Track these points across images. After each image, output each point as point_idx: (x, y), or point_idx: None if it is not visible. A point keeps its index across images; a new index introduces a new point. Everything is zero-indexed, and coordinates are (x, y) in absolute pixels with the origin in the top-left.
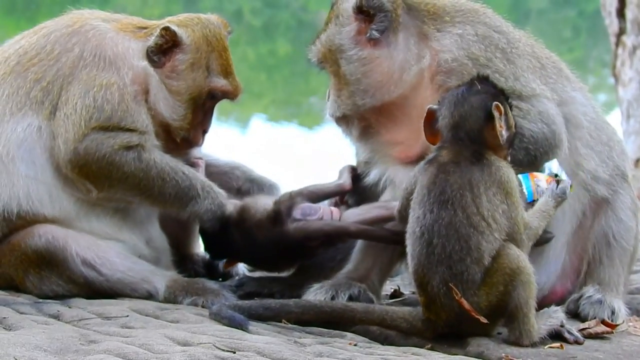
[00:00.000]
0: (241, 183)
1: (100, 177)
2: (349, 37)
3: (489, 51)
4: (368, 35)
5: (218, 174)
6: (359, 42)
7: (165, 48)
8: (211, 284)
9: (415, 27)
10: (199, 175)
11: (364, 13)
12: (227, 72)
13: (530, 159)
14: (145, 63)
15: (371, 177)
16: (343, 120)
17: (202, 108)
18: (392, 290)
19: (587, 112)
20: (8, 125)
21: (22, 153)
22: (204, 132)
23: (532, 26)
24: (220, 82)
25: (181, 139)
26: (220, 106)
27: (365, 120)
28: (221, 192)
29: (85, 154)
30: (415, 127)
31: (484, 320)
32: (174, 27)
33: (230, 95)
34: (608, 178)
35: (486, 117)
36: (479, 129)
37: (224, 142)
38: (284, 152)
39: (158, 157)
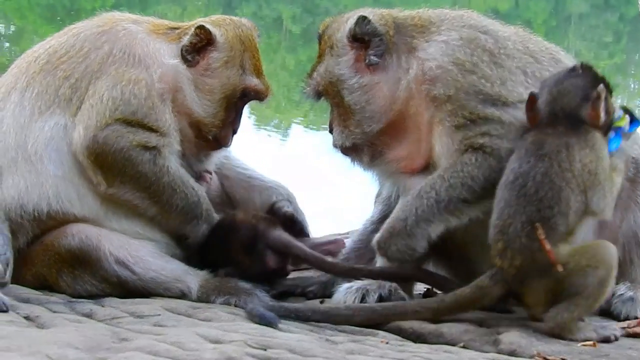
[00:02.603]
0: (279, 199)
1: (114, 170)
2: (348, 66)
3: (475, 55)
4: (367, 61)
5: (260, 188)
6: (358, 69)
7: (199, 47)
8: (244, 284)
9: (405, 44)
10: (206, 196)
11: (359, 40)
12: (259, 72)
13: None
14: (176, 61)
15: (385, 193)
16: (352, 149)
17: (234, 107)
18: (425, 289)
19: None
20: (37, 124)
21: (50, 152)
22: (234, 132)
23: (573, 31)
24: (253, 81)
25: (212, 138)
26: (261, 113)
27: (373, 145)
28: (213, 214)
29: (104, 143)
30: (415, 139)
31: (560, 267)
32: (208, 26)
33: (262, 95)
34: (631, 176)
35: (583, 98)
36: (575, 107)
37: (265, 149)
38: (324, 158)
39: (173, 166)
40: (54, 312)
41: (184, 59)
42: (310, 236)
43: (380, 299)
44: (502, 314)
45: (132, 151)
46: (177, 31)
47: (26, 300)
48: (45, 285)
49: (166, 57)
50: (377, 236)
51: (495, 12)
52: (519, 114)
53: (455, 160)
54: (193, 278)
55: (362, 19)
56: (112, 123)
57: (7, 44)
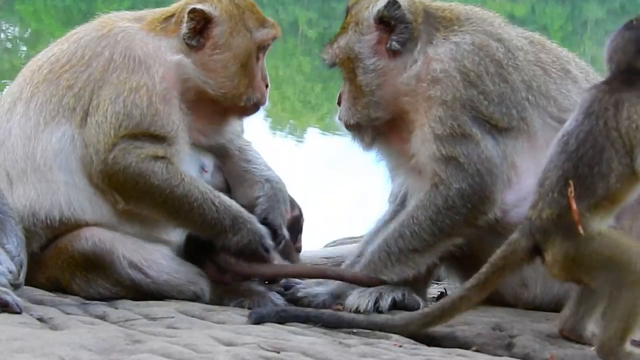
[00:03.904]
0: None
1: (127, 188)
2: (369, 46)
3: (482, 65)
4: (388, 46)
5: (250, 182)
6: (377, 52)
7: (199, 28)
8: (257, 287)
9: (429, 34)
10: (231, 207)
11: (384, 23)
12: (264, 21)
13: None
14: (178, 57)
15: (395, 188)
16: (355, 127)
17: (255, 66)
18: (439, 293)
19: None
20: (43, 135)
21: (59, 162)
22: (267, 86)
23: (589, 36)
24: (263, 34)
25: (248, 104)
26: (276, 118)
27: (377, 129)
28: (253, 223)
29: (114, 164)
30: (409, 136)
31: (581, 230)
32: (199, 6)
33: (276, 37)
34: None
35: (638, 50)
36: (630, 59)
37: (280, 152)
38: (340, 163)
39: (187, 175)
40: (68, 313)
41: (189, 46)
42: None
43: (394, 302)
44: (516, 317)
45: (142, 164)
46: (172, 20)
47: (40, 302)
48: (58, 288)
49: (168, 53)
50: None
51: (511, 18)
52: (495, 146)
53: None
54: (206, 280)
55: (393, 3)
56: (118, 142)
57: (23, 48)
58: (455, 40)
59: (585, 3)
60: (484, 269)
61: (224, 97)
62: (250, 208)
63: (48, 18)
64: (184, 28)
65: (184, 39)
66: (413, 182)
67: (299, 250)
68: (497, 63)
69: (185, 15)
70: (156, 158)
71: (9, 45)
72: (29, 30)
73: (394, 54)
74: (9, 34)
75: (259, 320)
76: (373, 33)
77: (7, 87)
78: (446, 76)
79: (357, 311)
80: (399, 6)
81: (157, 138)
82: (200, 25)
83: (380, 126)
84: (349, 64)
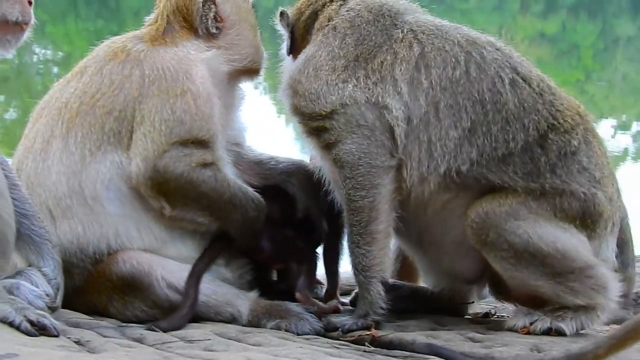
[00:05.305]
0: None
1: (177, 195)
2: None
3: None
4: None
5: (251, 162)
6: None
7: (213, 15)
8: (294, 307)
9: None
10: (264, 208)
11: None
12: None
13: None
14: (206, 54)
15: None
16: None
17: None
18: (485, 312)
19: None
20: (91, 166)
21: (108, 193)
22: None
23: (621, 53)
24: None
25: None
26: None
27: None
28: None
29: (164, 172)
30: None
31: None
32: None
33: None
34: None
35: None
36: None
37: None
38: None
39: (231, 179)
40: (105, 336)
41: (210, 35)
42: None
43: None
44: (554, 338)
45: (193, 173)
46: (175, 27)
47: (76, 325)
48: (95, 311)
49: (195, 54)
50: None
51: (542, 35)
52: None
53: None
54: (244, 302)
55: None
56: (169, 149)
57: (55, 70)
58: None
59: (617, 20)
60: None
61: (250, 64)
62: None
63: (79, 40)
64: (204, 21)
65: (205, 31)
66: None
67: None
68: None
69: (200, 9)
70: (205, 165)
71: (41, 67)
72: (60, 53)
73: None
74: (41, 57)
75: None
76: None
77: (26, 131)
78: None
79: None
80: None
81: (203, 143)
82: (213, 12)
83: None
84: None
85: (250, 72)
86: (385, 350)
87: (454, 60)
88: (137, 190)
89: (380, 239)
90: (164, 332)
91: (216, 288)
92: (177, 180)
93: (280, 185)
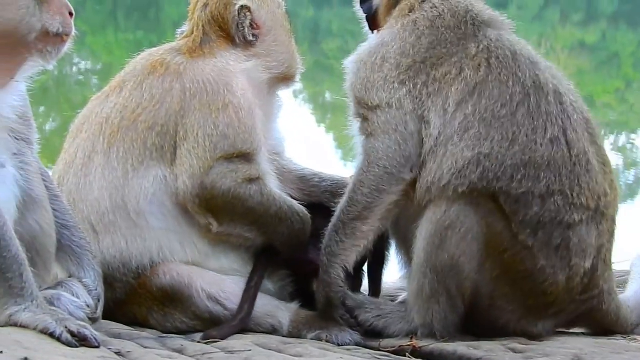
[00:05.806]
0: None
1: (225, 210)
2: None
3: None
4: None
5: (294, 177)
6: None
7: (245, 23)
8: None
9: None
10: (310, 220)
11: None
12: None
13: None
14: (245, 64)
15: None
16: None
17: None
18: None
19: None
20: (134, 181)
21: (152, 208)
22: None
23: None
24: None
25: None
26: (340, 132)
27: None
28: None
29: (212, 188)
30: None
31: None
32: (241, 3)
33: None
34: None
35: None
36: None
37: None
38: None
39: (277, 193)
40: (145, 347)
41: (248, 42)
42: None
43: None
44: (596, 349)
45: (240, 189)
46: (212, 37)
47: (117, 336)
48: (135, 322)
49: (234, 66)
50: None
51: (582, 45)
52: None
53: None
54: (284, 313)
55: None
56: (214, 165)
57: (95, 80)
58: None
59: None
60: None
61: (288, 70)
62: None
63: (119, 51)
64: (241, 29)
65: (242, 39)
66: None
67: None
68: None
69: (237, 17)
70: (251, 180)
71: (81, 78)
72: (100, 64)
73: None
74: (81, 68)
75: None
76: None
77: (66, 146)
78: None
79: None
80: None
81: (248, 156)
82: (249, 20)
83: None
84: None
85: (288, 78)
86: None
87: (508, 98)
88: (182, 205)
89: (360, 237)
90: (208, 340)
91: (257, 299)
92: (225, 197)
93: (325, 204)
